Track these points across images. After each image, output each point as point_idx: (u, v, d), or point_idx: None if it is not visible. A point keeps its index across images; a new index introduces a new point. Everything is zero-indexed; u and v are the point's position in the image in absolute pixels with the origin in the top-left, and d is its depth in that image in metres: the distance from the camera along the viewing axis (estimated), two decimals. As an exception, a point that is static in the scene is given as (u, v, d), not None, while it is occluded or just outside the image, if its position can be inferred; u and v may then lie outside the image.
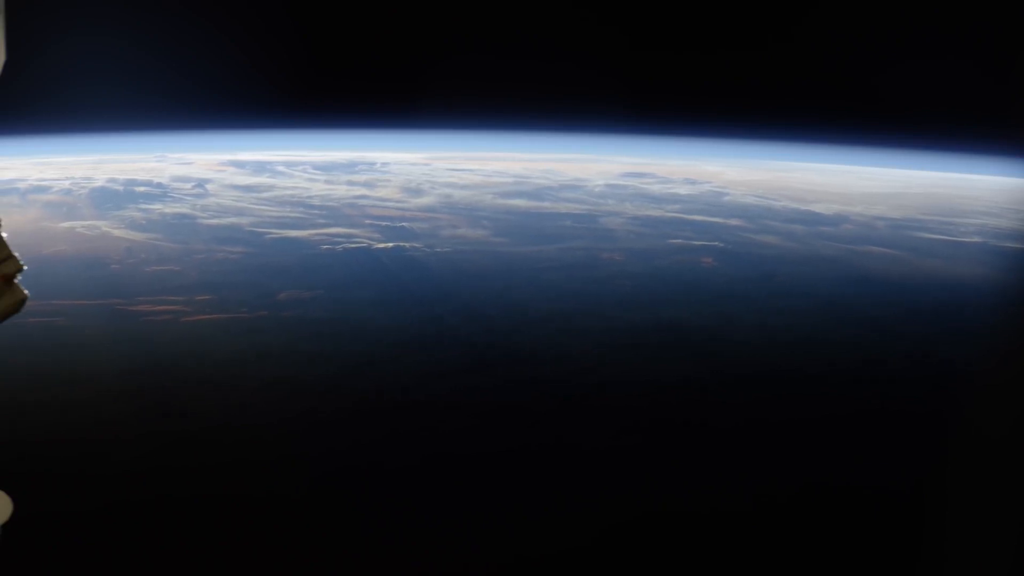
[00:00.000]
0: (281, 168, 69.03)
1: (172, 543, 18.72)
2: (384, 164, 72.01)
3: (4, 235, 3.95)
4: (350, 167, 70.91)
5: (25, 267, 4.05)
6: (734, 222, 51.21)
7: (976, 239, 45.80)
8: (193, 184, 61.77)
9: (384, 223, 51.61)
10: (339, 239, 47.35)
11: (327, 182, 64.90)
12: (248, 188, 61.75)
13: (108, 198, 57.07)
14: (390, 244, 46.36)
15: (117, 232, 49.02)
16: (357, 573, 18.55)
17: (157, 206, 55.22)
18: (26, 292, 4.10)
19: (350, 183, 65.13)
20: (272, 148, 77.63)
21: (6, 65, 4.15)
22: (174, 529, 19.30)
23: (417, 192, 62.10)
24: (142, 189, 59.85)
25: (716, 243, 46.57)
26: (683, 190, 61.81)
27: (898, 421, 25.77)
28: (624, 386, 28.31)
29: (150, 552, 18.44)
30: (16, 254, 3.99)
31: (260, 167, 69.44)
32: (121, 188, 60.41)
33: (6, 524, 4.31)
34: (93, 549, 18.37)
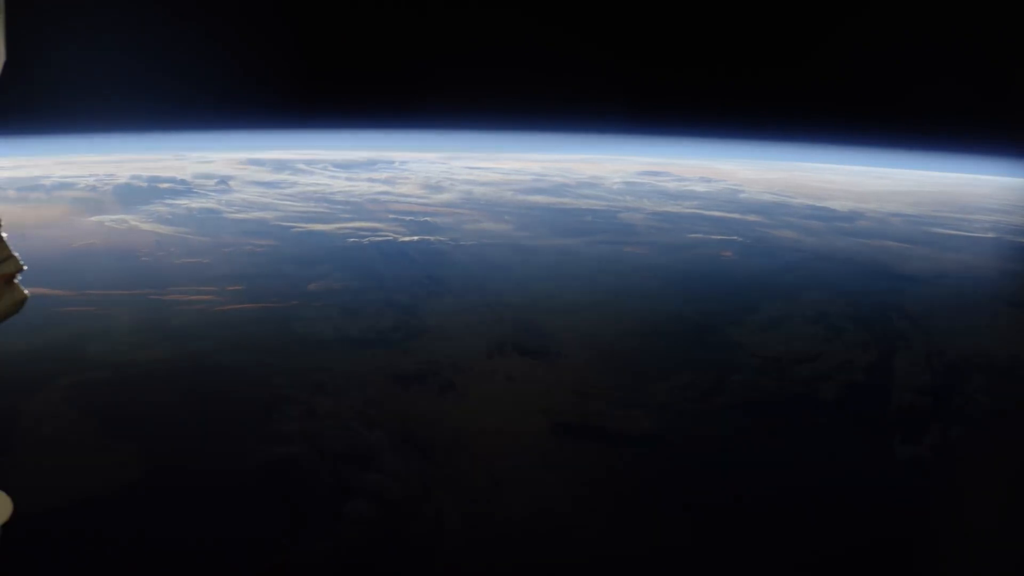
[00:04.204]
0: (301, 166, 69.83)
1: (188, 533, 19.09)
2: (403, 162, 72.81)
3: (4, 235, 3.87)
4: (369, 165, 71.66)
5: (25, 267, 3.96)
6: (752, 218, 51.69)
7: (989, 235, 46.25)
8: (216, 181, 62.54)
9: (408, 218, 52.13)
10: (364, 233, 47.92)
11: (348, 179, 65.47)
12: (271, 184, 62.35)
13: (133, 194, 57.71)
14: (415, 237, 46.87)
15: (145, 226, 49.61)
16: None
17: (182, 201, 55.87)
18: (26, 292, 4.01)
19: (371, 180, 65.76)
20: (288, 147, 78.51)
21: (6, 65, 4.11)
22: (190, 520, 19.67)
23: (438, 189, 62.65)
24: (166, 185, 60.56)
25: (735, 238, 47.12)
26: (699, 188, 62.34)
27: (909, 413, 26.35)
28: (645, 375, 28.82)
29: (168, 538, 18.95)
30: (16, 254, 3.91)
31: (280, 165, 70.21)
32: (145, 184, 61.18)
33: (6, 524, 4.21)
34: (109, 536, 18.90)
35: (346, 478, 22.14)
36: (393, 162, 73.06)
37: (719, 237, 47.39)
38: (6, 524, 4.23)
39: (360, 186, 63.27)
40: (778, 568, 18.74)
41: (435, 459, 23.33)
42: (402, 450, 23.66)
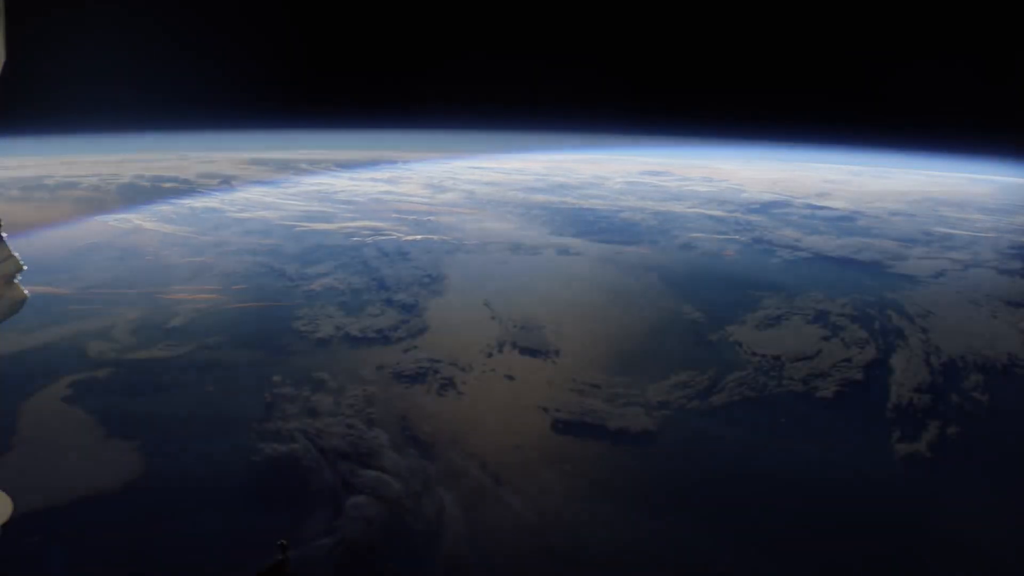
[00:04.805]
0: (304, 165, 70.26)
1: (189, 531, 19.31)
2: (405, 162, 73.13)
3: (4, 235, 3.91)
4: (372, 165, 71.97)
5: (25, 267, 3.99)
6: (752, 217, 51.73)
7: (989, 234, 46.12)
8: (219, 180, 62.92)
9: (410, 217, 52.43)
10: (367, 232, 48.08)
11: (351, 179, 65.69)
12: (273, 184, 62.74)
13: (136, 193, 58.19)
14: (417, 236, 46.96)
15: (148, 225, 49.92)
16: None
17: (186, 201, 56.27)
18: (26, 292, 4.06)
19: (373, 180, 65.99)
20: (291, 147, 79.02)
21: (7, 65, 4.14)
22: (190, 518, 19.90)
23: (440, 188, 62.91)
24: (169, 185, 61.03)
25: (736, 237, 47.23)
26: (701, 187, 62.37)
27: (907, 410, 26.40)
28: (645, 373, 28.89)
29: (169, 536, 19.12)
30: (16, 254, 3.95)
31: (283, 165, 70.71)
32: (148, 184, 61.64)
33: (6, 524, 4.20)
34: (109, 534, 19.08)
35: (347, 475, 22.25)
36: (396, 162, 73.43)
37: (720, 236, 47.58)
38: (6, 524, 4.23)
39: (363, 186, 63.49)
40: (777, 563, 18.78)
41: (435, 456, 23.39)
42: (402, 447, 23.75)
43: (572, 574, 18.71)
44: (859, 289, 36.93)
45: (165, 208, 54.20)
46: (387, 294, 36.95)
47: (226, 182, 62.37)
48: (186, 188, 60.09)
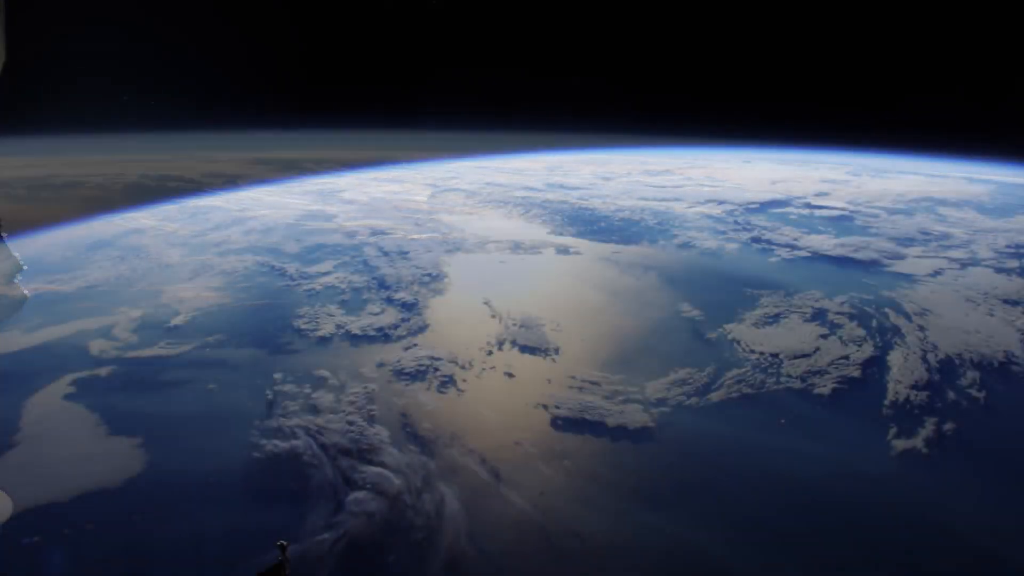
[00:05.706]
0: (309, 165, 70.56)
1: (190, 527, 19.40)
2: (409, 162, 73.37)
3: (4, 235, 4.22)
4: (376, 164, 72.28)
5: (25, 267, 4.29)
6: (752, 216, 51.77)
7: (988, 234, 46.05)
8: (224, 179, 63.29)
9: (412, 216, 52.80)
10: (369, 231, 48.46)
11: (354, 179, 65.95)
12: (278, 183, 63.10)
13: (142, 192, 58.62)
14: (420, 236, 47.27)
15: (152, 224, 50.31)
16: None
17: (190, 200, 56.63)
18: (26, 292, 4.35)
19: (376, 179, 66.26)
20: (296, 147, 79.33)
21: (7, 65, 4.42)
22: (192, 515, 20.02)
23: (442, 188, 63.19)
24: (174, 184, 61.42)
25: (734, 235, 47.37)
26: (701, 187, 62.39)
27: (904, 407, 26.50)
28: (643, 371, 29.02)
29: (170, 532, 19.22)
30: (16, 254, 4.23)
31: (288, 164, 71.10)
32: (154, 183, 62.06)
33: (6, 523, 4.53)
34: (109, 531, 19.19)
35: (347, 471, 22.46)
36: (399, 162, 73.72)
37: (719, 235, 47.82)
38: (5, 523, 4.33)
39: (366, 185, 63.80)
40: (774, 558, 18.91)
41: (435, 452, 23.58)
42: (403, 444, 23.96)
43: (571, 568, 18.84)
44: (857, 287, 36.99)
45: (170, 207, 54.57)
46: (388, 293, 37.24)
47: (231, 181, 62.69)
48: (191, 187, 60.45)
